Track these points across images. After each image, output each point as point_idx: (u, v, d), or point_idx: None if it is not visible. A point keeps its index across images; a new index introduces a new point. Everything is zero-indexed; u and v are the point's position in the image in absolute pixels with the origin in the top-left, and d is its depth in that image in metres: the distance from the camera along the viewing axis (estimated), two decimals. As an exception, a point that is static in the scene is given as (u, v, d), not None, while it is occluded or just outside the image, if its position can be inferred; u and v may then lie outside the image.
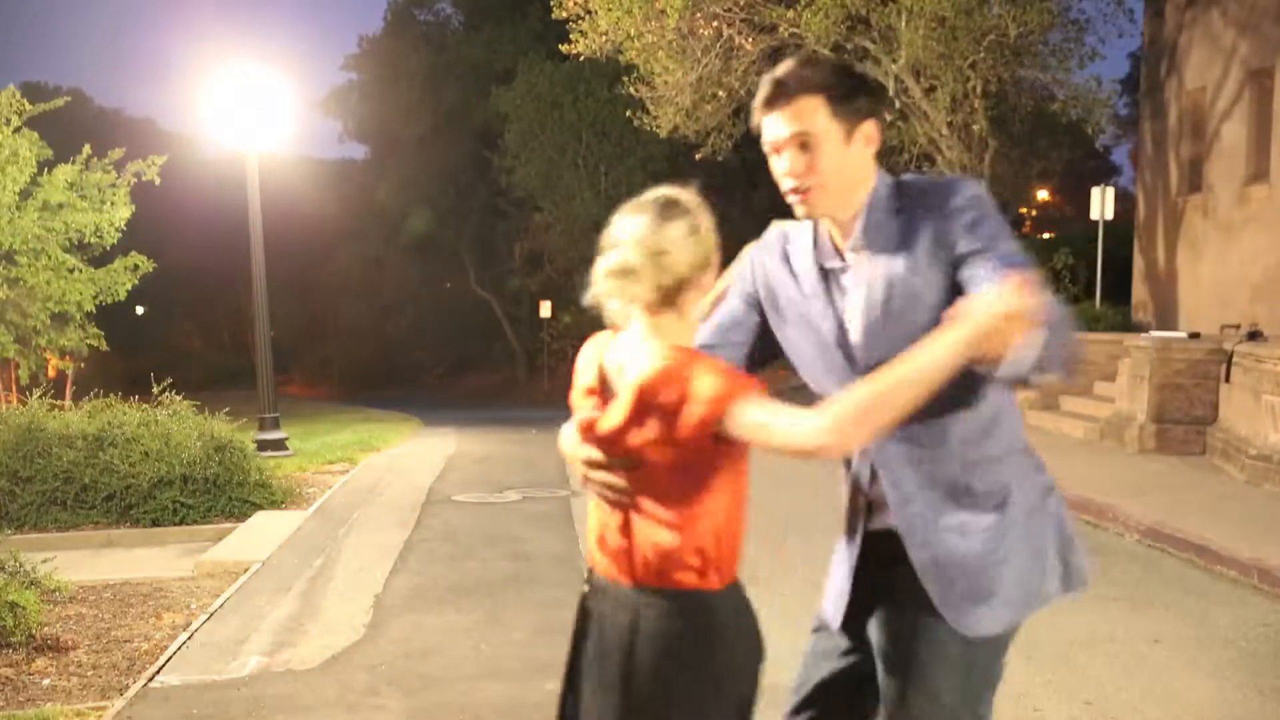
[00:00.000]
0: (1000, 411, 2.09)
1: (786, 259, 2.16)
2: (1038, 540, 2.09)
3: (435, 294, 40.31)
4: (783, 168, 2.01)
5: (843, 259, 2.07)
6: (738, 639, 1.93)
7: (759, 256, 2.22)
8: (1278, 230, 13.64)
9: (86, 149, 12.69)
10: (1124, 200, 25.11)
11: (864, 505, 2.15)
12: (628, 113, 15.60)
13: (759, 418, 1.77)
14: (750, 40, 13.80)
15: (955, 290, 1.95)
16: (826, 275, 2.09)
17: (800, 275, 2.13)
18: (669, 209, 1.91)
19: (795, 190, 2.01)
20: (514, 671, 4.55)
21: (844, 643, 2.26)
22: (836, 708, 2.28)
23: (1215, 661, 4.62)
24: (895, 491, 2.07)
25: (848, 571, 2.21)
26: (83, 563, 6.87)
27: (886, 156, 15.58)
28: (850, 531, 2.20)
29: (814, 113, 1.96)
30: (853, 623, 2.21)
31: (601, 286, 1.91)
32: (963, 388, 1.89)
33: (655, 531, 1.89)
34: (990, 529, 2.05)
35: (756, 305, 2.20)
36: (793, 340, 2.15)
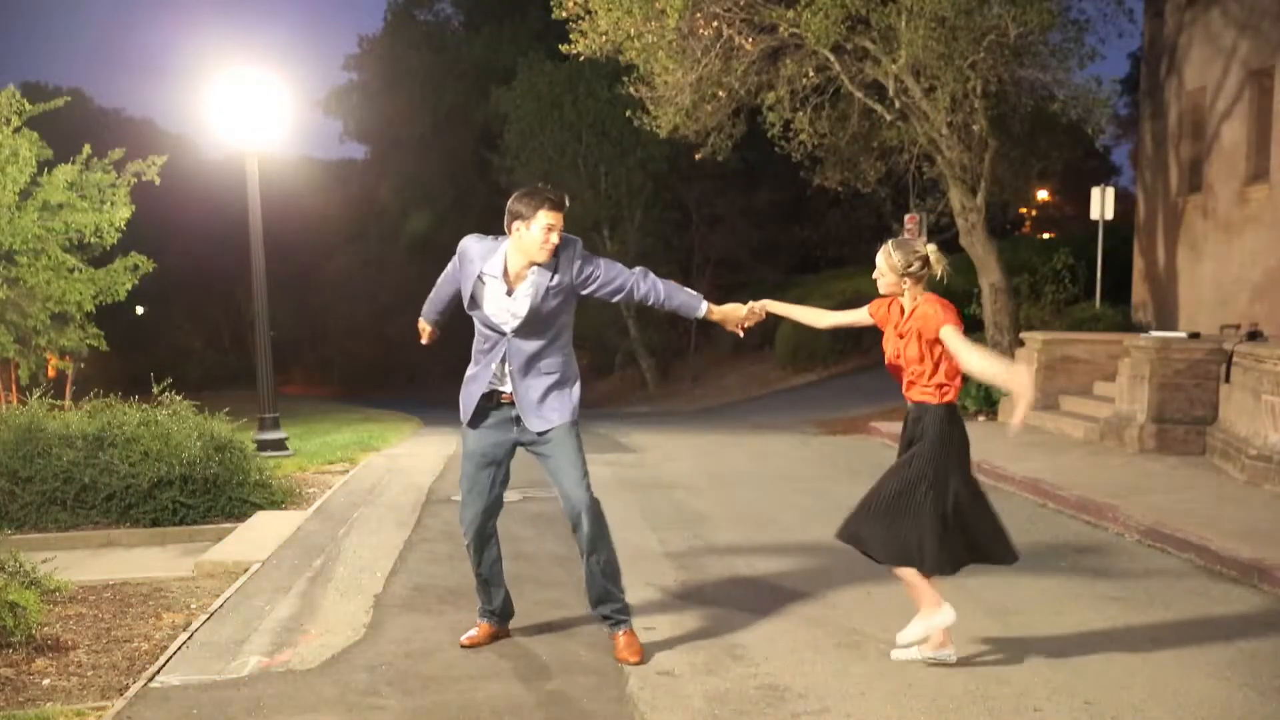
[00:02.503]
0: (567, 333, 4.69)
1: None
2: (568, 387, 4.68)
3: (435, 294, 40.25)
4: (553, 240, 4.47)
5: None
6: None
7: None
8: (1278, 230, 13.64)
9: (86, 149, 12.68)
10: (1124, 200, 25.12)
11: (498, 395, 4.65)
12: (628, 113, 15.58)
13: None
14: (750, 40, 13.77)
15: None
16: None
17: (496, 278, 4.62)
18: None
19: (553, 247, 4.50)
20: (514, 671, 4.55)
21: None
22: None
23: (1215, 661, 4.63)
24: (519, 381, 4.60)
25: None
26: (83, 563, 6.87)
27: (886, 156, 15.64)
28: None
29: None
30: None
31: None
32: (565, 326, 4.66)
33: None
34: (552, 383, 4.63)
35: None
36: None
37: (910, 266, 4.32)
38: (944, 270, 4.39)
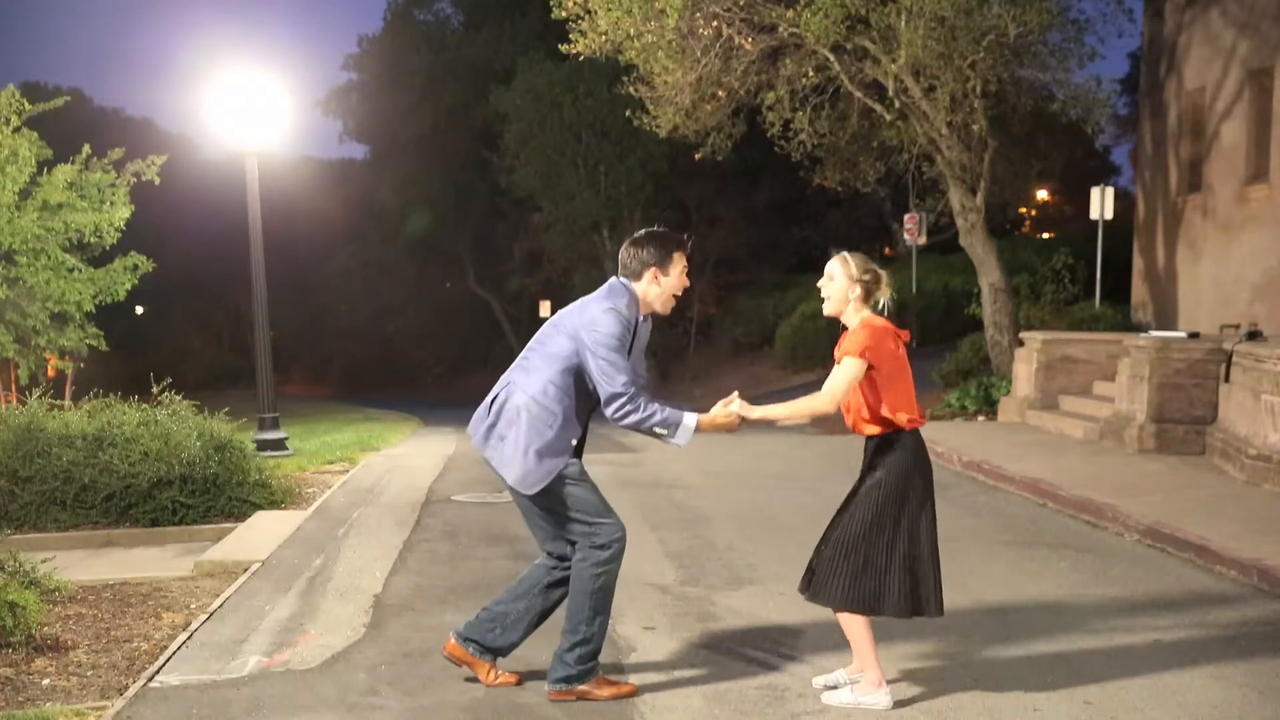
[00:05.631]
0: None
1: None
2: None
3: (435, 294, 40.30)
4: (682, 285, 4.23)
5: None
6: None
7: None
8: (1277, 230, 13.65)
9: (86, 149, 12.68)
10: (1124, 200, 25.13)
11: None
12: (628, 113, 15.59)
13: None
14: (750, 40, 13.77)
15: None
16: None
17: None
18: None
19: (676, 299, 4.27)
20: (514, 671, 4.55)
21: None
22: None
23: (1215, 661, 4.62)
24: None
25: None
26: (83, 563, 6.87)
27: (886, 156, 15.63)
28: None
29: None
30: None
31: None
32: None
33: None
34: None
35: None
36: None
37: (865, 274, 4.07)
38: (888, 299, 4.13)
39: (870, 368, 3.98)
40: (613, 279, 4.24)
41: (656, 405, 4.05)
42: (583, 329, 4.05)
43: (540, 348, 4.16)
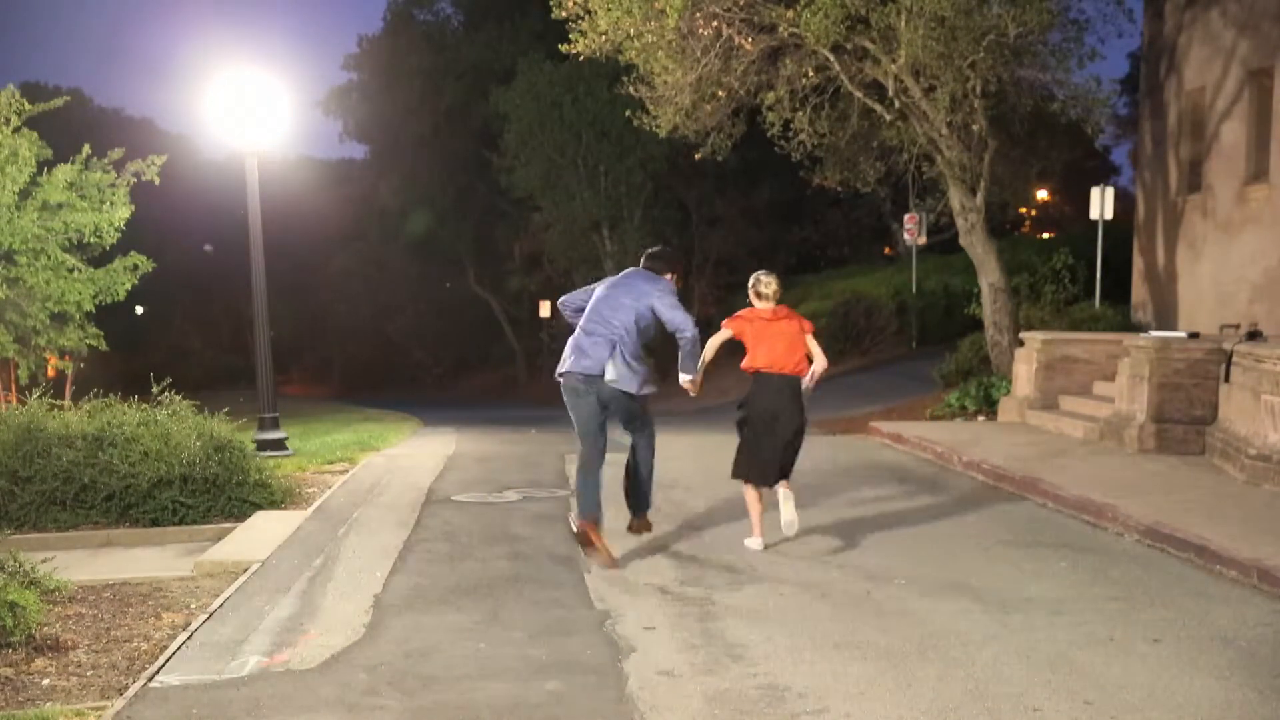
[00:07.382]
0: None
1: None
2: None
3: (435, 294, 40.31)
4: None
5: None
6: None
7: None
8: (1277, 230, 13.64)
9: (86, 149, 12.67)
10: (1124, 200, 25.11)
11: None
12: (627, 113, 15.58)
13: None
14: (750, 40, 13.75)
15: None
16: None
17: None
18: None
19: None
20: (514, 671, 4.56)
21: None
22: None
23: (1215, 661, 4.63)
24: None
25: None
26: (82, 563, 6.87)
27: (886, 156, 15.62)
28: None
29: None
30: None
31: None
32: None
33: None
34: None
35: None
36: None
37: (750, 286, 6.77)
38: (763, 292, 6.69)
39: (736, 333, 6.69)
40: (637, 270, 6.72)
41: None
42: (654, 295, 6.48)
43: (615, 315, 6.43)
